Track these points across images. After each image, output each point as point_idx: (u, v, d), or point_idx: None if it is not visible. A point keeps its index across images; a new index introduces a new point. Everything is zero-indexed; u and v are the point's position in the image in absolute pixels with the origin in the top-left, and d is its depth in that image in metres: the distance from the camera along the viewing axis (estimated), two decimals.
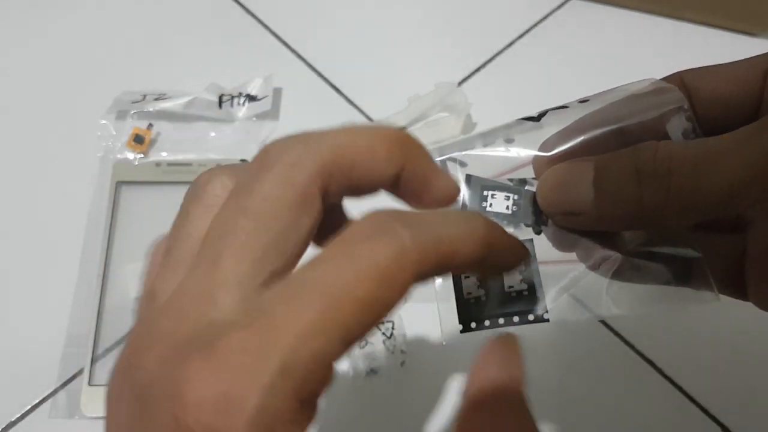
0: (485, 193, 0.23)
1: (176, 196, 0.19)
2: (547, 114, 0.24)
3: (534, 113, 0.24)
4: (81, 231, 0.43)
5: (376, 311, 0.15)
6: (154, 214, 0.42)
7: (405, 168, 0.18)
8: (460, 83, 0.49)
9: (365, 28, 0.52)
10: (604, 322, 0.40)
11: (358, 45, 0.51)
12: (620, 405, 0.38)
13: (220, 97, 0.47)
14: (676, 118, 0.23)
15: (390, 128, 0.18)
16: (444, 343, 0.30)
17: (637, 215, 0.21)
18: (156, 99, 0.47)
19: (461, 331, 0.22)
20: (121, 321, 0.40)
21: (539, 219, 0.23)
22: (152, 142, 0.46)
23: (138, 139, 0.45)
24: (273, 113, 0.48)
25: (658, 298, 0.23)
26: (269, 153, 0.17)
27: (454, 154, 0.24)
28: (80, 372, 0.39)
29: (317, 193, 0.17)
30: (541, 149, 0.23)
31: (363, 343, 0.39)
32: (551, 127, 0.23)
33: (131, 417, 0.15)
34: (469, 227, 0.17)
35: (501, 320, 0.22)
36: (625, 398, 0.38)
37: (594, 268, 0.23)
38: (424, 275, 0.16)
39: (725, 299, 0.23)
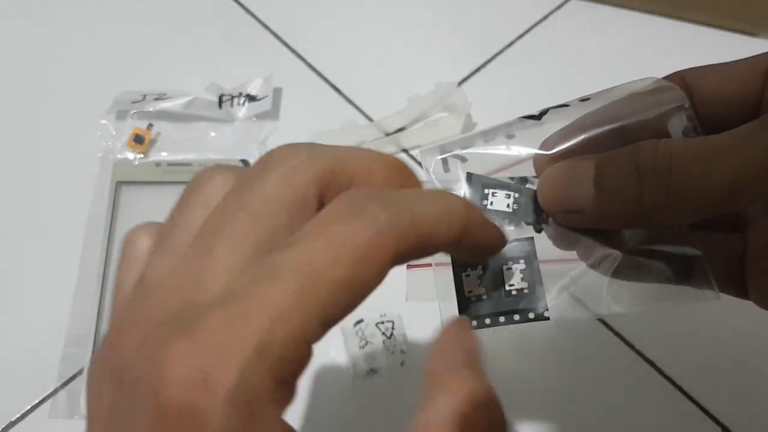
0: (486, 191, 0.23)
1: (176, 196, 0.19)
2: (548, 112, 0.24)
3: (535, 112, 0.24)
4: (81, 231, 0.43)
5: (353, 292, 0.15)
6: (154, 214, 0.41)
7: None
8: (460, 83, 0.49)
9: (365, 28, 0.52)
10: (604, 322, 0.40)
11: (358, 45, 0.51)
12: (620, 405, 0.38)
13: (220, 97, 0.47)
14: (677, 116, 0.23)
15: (391, 156, 0.19)
16: None
17: (637, 213, 0.21)
18: (156, 99, 0.47)
19: None
20: None
21: (540, 217, 0.23)
22: (152, 142, 0.46)
23: (138, 139, 0.45)
24: (273, 113, 0.48)
25: (659, 296, 0.23)
26: (273, 156, 0.18)
27: (455, 152, 0.24)
28: (80, 372, 0.39)
29: (314, 198, 0.17)
30: (541, 148, 0.23)
31: (363, 343, 0.39)
32: (552, 125, 0.23)
33: (113, 397, 0.16)
34: (445, 207, 0.17)
35: (502, 318, 0.22)
36: (624, 398, 0.38)
37: (594, 266, 0.23)
38: (401, 256, 0.16)
39: (726, 298, 0.23)
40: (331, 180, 0.17)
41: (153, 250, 0.18)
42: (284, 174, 0.17)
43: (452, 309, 0.22)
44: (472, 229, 0.18)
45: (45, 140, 0.47)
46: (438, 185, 0.23)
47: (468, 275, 0.23)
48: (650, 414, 0.38)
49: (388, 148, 0.46)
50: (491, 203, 0.23)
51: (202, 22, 0.52)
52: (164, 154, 0.46)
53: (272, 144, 0.46)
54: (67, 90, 0.49)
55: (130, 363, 0.15)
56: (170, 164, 0.45)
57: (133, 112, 0.47)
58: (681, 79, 0.24)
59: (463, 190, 0.23)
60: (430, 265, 0.23)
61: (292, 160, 0.17)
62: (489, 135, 0.24)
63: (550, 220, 0.23)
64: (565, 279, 0.22)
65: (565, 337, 0.40)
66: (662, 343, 0.40)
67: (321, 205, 0.17)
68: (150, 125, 0.46)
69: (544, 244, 0.23)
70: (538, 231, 0.23)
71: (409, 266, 0.23)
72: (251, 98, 0.47)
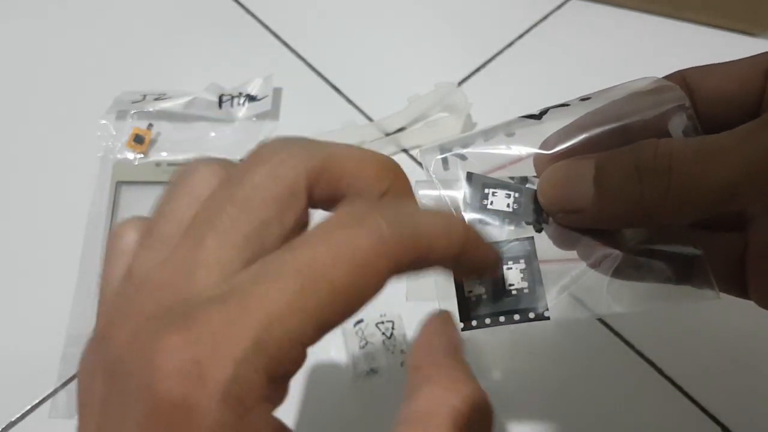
0: (486, 190, 0.23)
1: None
2: (549, 112, 0.24)
3: (535, 111, 0.24)
4: (81, 231, 0.43)
5: (351, 298, 0.15)
6: None
7: (388, 193, 0.19)
8: (460, 83, 0.49)
9: (365, 28, 0.52)
10: (604, 322, 0.40)
11: (358, 45, 0.51)
12: (620, 404, 0.38)
13: (220, 97, 0.47)
14: (678, 116, 0.23)
15: (382, 154, 0.19)
16: None
17: (637, 213, 0.21)
18: (156, 99, 0.47)
19: (462, 330, 0.22)
20: None
21: (540, 217, 0.23)
22: (152, 142, 0.46)
23: (138, 139, 0.45)
24: (273, 113, 0.48)
25: (659, 295, 0.23)
26: (264, 149, 0.18)
27: (455, 150, 0.24)
28: None
29: (304, 191, 0.17)
30: (542, 147, 0.23)
31: (363, 342, 0.39)
32: (552, 124, 0.23)
33: (104, 390, 0.16)
34: (446, 225, 0.17)
35: (502, 318, 0.22)
36: (624, 398, 0.38)
37: (595, 266, 0.23)
38: (400, 268, 0.16)
39: (726, 298, 0.23)
40: (322, 174, 0.18)
41: (140, 244, 0.18)
42: (274, 167, 0.17)
43: (452, 309, 0.22)
44: (470, 246, 0.18)
45: (45, 140, 0.47)
46: (438, 184, 0.23)
47: None
48: (650, 414, 0.38)
49: (388, 148, 0.46)
50: (491, 203, 0.23)
51: (202, 22, 0.52)
52: (164, 154, 0.46)
53: None
54: (67, 90, 0.49)
55: (122, 357, 0.15)
56: (170, 164, 0.45)
57: (133, 112, 0.47)
58: (681, 78, 0.24)
59: (462, 189, 0.23)
60: None
61: (283, 153, 0.17)
62: (489, 134, 0.24)
63: (551, 219, 0.23)
64: (565, 279, 0.22)
65: (565, 337, 0.40)
66: (662, 343, 0.40)
67: (311, 199, 0.18)
68: (150, 125, 0.46)
69: (544, 243, 0.23)
70: (539, 231, 0.23)
71: None
72: (251, 98, 0.47)
